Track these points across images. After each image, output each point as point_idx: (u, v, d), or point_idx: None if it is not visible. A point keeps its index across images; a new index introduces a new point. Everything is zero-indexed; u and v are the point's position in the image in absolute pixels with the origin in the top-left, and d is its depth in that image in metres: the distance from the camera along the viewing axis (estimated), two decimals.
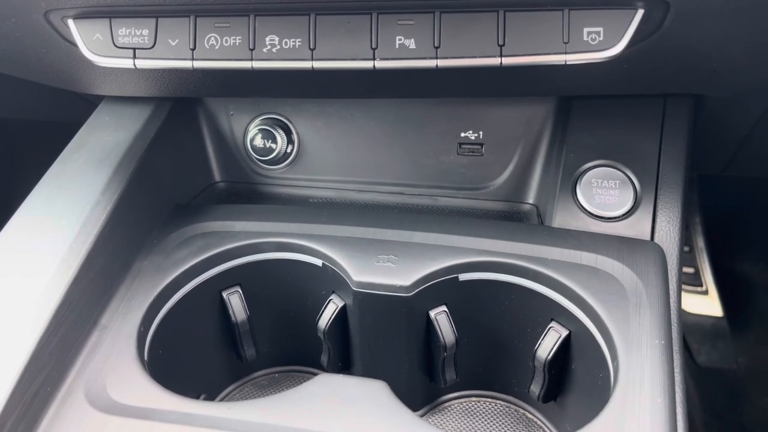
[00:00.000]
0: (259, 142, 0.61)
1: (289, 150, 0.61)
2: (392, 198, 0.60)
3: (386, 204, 0.60)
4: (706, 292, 1.23)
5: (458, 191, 0.60)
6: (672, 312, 0.46)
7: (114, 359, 0.43)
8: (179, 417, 0.37)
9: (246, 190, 0.62)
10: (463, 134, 0.59)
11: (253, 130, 0.61)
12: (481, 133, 0.59)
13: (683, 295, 1.30)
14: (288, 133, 0.61)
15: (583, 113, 0.55)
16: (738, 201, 1.21)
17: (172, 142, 0.58)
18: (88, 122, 0.56)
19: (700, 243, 1.23)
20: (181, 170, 0.59)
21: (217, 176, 0.63)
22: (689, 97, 0.55)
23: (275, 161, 0.61)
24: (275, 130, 0.61)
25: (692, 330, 1.21)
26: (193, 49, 0.44)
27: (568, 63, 0.42)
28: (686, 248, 1.23)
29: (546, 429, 0.50)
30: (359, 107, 0.59)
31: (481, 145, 0.59)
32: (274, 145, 0.61)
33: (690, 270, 1.23)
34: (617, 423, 0.38)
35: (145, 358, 0.44)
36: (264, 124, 0.61)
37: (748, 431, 1.18)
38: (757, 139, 0.64)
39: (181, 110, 0.59)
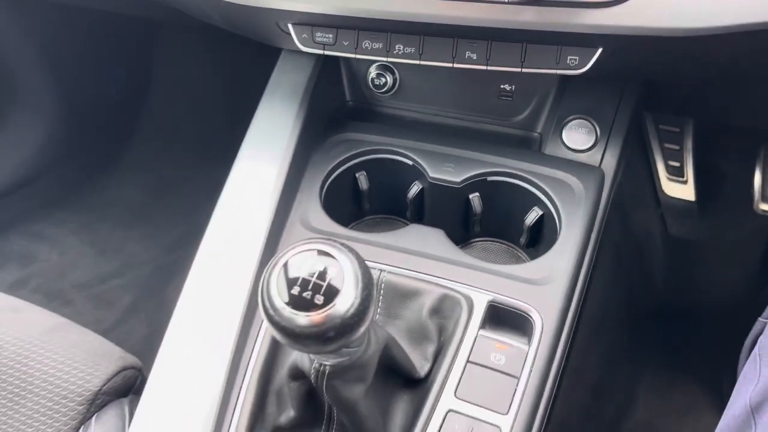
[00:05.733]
0: (375, 78, 0.99)
1: (392, 85, 0.99)
2: (453, 121, 0.97)
3: (449, 125, 0.98)
4: (685, 182, 1.57)
5: (494, 120, 0.97)
6: (599, 209, 0.85)
7: (310, 208, 0.85)
8: (351, 236, 0.80)
9: (365, 108, 1.01)
10: (501, 86, 0.94)
11: (372, 71, 0.98)
12: (513, 86, 0.94)
13: (668, 183, 1.67)
14: (393, 74, 0.98)
15: (574, 85, 0.90)
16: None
17: (326, 78, 0.96)
18: (277, 67, 0.94)
19: (689, 144, 1.56)
20: (330, 95, 0.98)
21: (348, 98, 1.01)
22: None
23: (384, 92, 0.99)
24: (385, 73, 0.98)
25: (670, 209, 1.58)
26: (355, 48, 0.82)
27: (557, 73, 0.79)
28: (676, 147, 1.56)
29: (526, 259, 0.93)
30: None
31: (512, 94, 0.95)
32: (384, 81, 0.99)
33: (676, 164, 1.57)
34: (554, 258, 0.79)
35: (323, 207, 0.87)
36: (378, 69, 0.98)
37: (700, 289, 1.59)
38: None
39: (330, 57, 0.96)
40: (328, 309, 0.49)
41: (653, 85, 0.92)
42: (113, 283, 1.54)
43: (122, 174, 1.78)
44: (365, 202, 0.94)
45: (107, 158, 1.79)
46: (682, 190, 1.57)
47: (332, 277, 0.50)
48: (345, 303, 0.50)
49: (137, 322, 1.46)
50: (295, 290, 0.50)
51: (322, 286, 0.50)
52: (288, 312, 0.49)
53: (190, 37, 1.72)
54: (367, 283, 0.51)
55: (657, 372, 1.39)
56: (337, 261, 0.51)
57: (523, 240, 0.90)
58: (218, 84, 1.75)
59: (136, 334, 1.42)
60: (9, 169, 1.60)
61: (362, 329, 0.51)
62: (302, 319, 0.49)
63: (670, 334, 1.45)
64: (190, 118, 1.83)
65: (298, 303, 0.49)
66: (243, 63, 1.65)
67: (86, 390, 0.81)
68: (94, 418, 0.81)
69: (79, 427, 0.80)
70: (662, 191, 1.56)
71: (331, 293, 0.50)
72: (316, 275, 0.50)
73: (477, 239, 0.95)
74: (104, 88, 1.74)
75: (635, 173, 1.35)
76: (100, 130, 1.78)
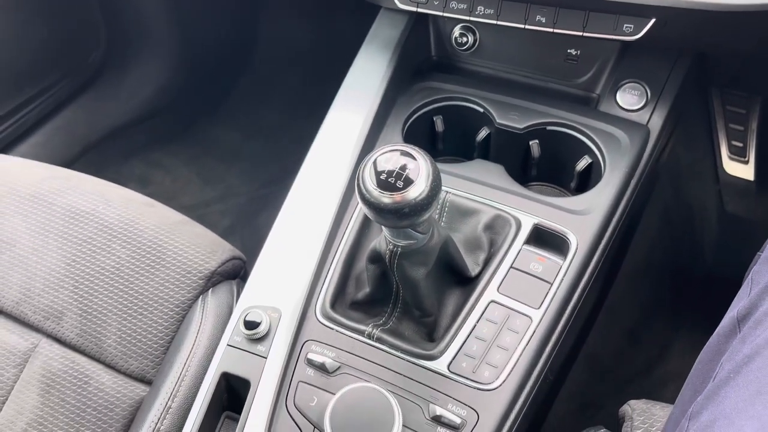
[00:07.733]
0: (458, 37, 1.14)
1: (473, 44, 1.14)
2: (522, 79, 1.12)
3: (518, 81, 1.13)
4: (747, 162, 1.63)
5: (558, 80, 1.10)
6: (642, 160, 0.98)
7: (393, 138, 1.03)
8: None
9: (447, 63, 1.16)
10: (568, 51, 1.08)
11: (455, 30, 1.14)
12: (579, 51, 1.08)
13: (729, 162, 1.76)
14: (474, 35, 1.13)
15: (632, 53, 1.03)
16: None
17: (416, 35, 1.12)
18: (376, 23, 1.11)
19: (754, 126, 1.62)
20: (418, 50, 1.14)
21: (433, 53, 1.17)
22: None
23: (465, 49, 1.14)
24: (467, 32, 1.14)
25: (728, 187, 1.65)
26: (444, 7, 0.98)
27: (614, 39, 0.92)
28: (741, 128, 1.62)
29: None
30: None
31: (577, 58, 1.08)
32: (466, 40, 1.14)
33: (739, 144, 1.63)
34: (595, 195, 0.93)
35: (403, 139, 1.04)
36: (461, 29, 1.13)
37: (746, 261, 1.66)
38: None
39: (420, 17, 1.13)
40: (405, 192, 0.66)
41: (707, 57, 1.03)
42: (215, 207, 1.78)
43: (225, 117, 2.02)
44: (439, 142, 1.11)
45: (214, 102, 2.03)
46: (742, 169, 1.64)
47: (410, 170, 0.67)
48: (417, 190, 0.67)
49: (233, 241, 1.67)
50: (383, 177, 0.67)
51: (402, 175, 0.67)
52: (377, 192, 0.67)
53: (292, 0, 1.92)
54: (435, 177, 0.68)
55: (694, 332, 1.49)
56: (415, 159, 0.68)
57: (573, 184, 1.04)
58: (314, 43, 1.95)
59: None
60: (135, 104, 1.86)
61: (428, 213, 0.68)
62: (386, 198, 0.67)
63: (714, 301, 1.54)
64: (286, 74, 2.04)
65: (384, 186, 0.67)
66: (337, 24, 1.84)
67: (205, 269, 1.03)
68: (210, 291, 1.02)
69: (199, 296, 1.01)
70: (722, 169, 1.64)
71: (408, 181, 0.67)
72: (399, 167, 0.67)
73: (533, 183, 1.10)
74: (216, 42, 1.98)
75: (696, 148, 1.45)
76: (210, 77, 2.02)
